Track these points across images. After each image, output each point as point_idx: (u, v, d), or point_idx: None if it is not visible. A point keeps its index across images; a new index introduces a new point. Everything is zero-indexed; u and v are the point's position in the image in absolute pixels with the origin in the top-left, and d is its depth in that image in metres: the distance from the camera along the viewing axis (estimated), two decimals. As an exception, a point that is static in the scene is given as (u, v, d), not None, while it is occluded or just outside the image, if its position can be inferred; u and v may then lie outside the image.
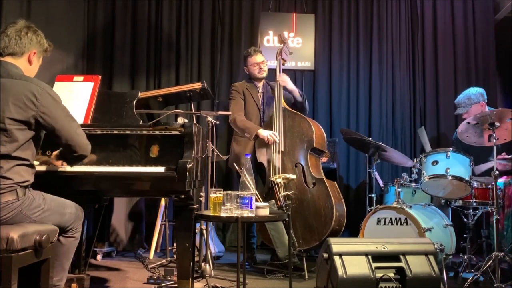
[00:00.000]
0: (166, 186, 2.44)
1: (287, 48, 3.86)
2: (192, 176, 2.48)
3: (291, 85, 3.84)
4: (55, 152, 2.41)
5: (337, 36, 5.08)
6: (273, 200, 3.38)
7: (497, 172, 3.01)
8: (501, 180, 3.45)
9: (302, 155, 3.58)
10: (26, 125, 2.05)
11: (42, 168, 2.41)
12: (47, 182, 2.37)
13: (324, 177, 3.54)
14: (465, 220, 3.55)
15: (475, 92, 3.83)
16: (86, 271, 2.91)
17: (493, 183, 3.05)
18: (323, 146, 3.66)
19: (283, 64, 3.83)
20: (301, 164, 3.56)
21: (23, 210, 2.03)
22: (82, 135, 2.22)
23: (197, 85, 3.06)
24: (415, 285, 2.39)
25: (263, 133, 3.59)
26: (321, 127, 3.73)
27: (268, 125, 3.69)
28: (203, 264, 3.05)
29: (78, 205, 2.31)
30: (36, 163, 2.40)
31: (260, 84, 3.92)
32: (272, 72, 4.05)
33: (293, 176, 3.43)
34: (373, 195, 3.88)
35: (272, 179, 3.47)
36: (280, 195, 3.40)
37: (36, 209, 2.08)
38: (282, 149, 3.58)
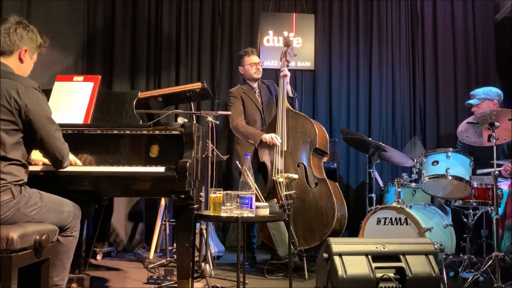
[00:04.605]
0: (166, 186, 2.43)
1: (291, 50, 3.86)
2: (192, 176, 2.48)
3: (287, 81, 3.78)
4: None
5: (337, 36, 5.08)
6: (275, 199, 3.38)
7: (496, 172, 3.01)
8: (505, 187, 3.45)
9: (305, 155, 3.58)
10: (14, 124, 2.00)
11: (41, 167, 2.40)
12: (46, 182, 2.36)
13: (326, 178, 3.54)
14: (465, 220, 3.55)
15: (494, 90, 3.85)
16: (86, 271, 2.90)
17: (493, 183, 3.05)
18: (325, 147, 3.67)
19: (287, 66, 3.83)
20: (304, 164, 3.56)
21: (20, 208, 2.02)
22: (59, 138, 2.15)
23: (197, 85, 3.06)
24: (415, 285, 2.39)
25: (266, 136, 3.60)
26: (323, 128, 3.73)
27: (272, 126, 3.69)
28: (203, 264, 3.05)
29: (75, 204, 2.30)
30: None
31: (255, 85, 3.93)
32: (274, 72, 4.04)
33: (295, 176, 3.46)
34: (373, 195, 3.89)
35: (274, 178, 3.48)
36: (282, 194, 3.41)
37: (33, 206, 2.07)
38: (285, 149, 3.59)
